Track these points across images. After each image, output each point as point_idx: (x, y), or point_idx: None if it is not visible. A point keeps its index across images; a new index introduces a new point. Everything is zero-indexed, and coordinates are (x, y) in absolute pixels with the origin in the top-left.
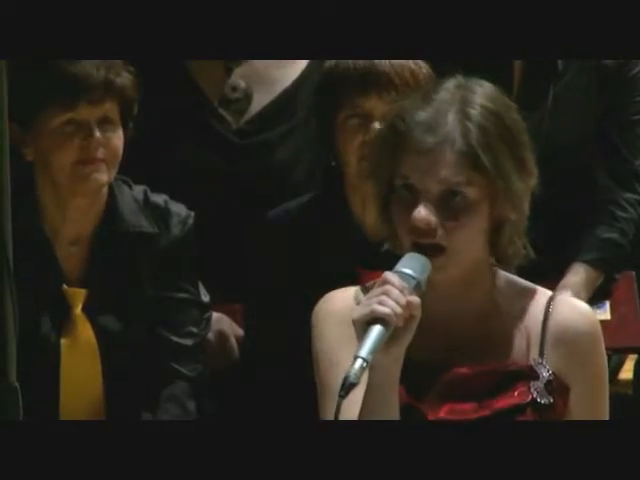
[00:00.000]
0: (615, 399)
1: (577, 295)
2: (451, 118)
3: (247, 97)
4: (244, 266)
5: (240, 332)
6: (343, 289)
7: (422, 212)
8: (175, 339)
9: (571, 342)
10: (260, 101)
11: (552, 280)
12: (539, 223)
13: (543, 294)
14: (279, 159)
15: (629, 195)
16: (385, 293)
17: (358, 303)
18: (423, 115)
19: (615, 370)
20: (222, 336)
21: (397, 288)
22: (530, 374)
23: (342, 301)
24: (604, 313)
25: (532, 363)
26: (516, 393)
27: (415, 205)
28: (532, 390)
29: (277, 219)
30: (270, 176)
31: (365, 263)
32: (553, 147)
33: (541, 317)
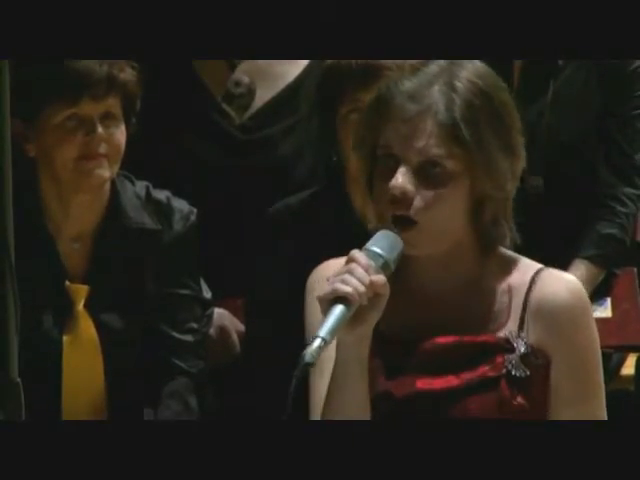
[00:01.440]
0: (616, 395)
1: None
2: (436, 89)
3: (250, 92)
4: (246, 262)
5: (242, 327)
6: (340, 258)
7: (399, 179)
8: (176, 335)
9: (550, 313)
10: (263, 96)
11: None
12: (540, 219)
13: (532, 266)
14: (281, 154)
15: (629, 190)
16: (349, 271)
17: None
18: (408, 84)
19: (616, 367)
20: (224, 332)
21: (362, 267)
22: (506, 347)
23: (334, 270)
24: (605, 310)
25: (508, 335)
26: (489, 366)
27: (394, 174)
28: (506, 363)
29: (278, 214)
30: (272, 171)
31: None
32: (553, 142)
33: (525, 289)
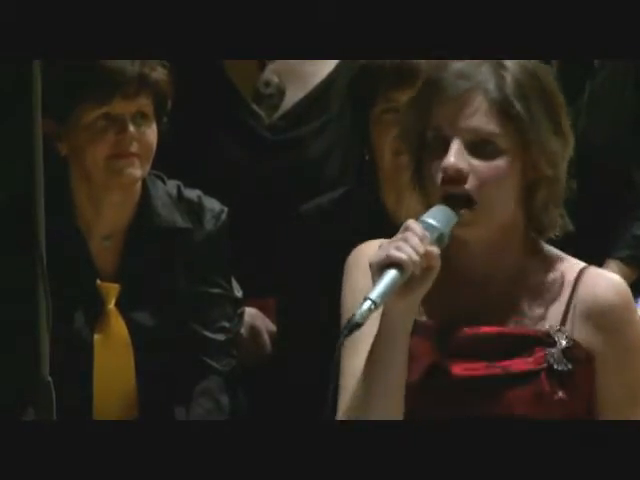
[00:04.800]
0: None
1: None
2: (486, 66)
3: (280, 92)
4: (277, 261)
5: (273, 327)
6: (379, 240)
7: (452, 158)
8: (208, 334)
9: (598, 313)
10: (293, 96)
11: None
12: (573, 221)
13: (576, 265)
14: (311, 155)
15: None
16: (404, 239)
17: None
18: (457, 64)
19: None
20: (255, 331)
21: (417, 236)
22: (547, 340)
23: (374, 250)
24: (637, 310)
25: (549, 330)
26: (531, 358)
27: (447, 154)
28: (548, 357)
29: (309, 214)
30: (302, 171)
31: None
32: (588, 144)
33: (570, 287)
